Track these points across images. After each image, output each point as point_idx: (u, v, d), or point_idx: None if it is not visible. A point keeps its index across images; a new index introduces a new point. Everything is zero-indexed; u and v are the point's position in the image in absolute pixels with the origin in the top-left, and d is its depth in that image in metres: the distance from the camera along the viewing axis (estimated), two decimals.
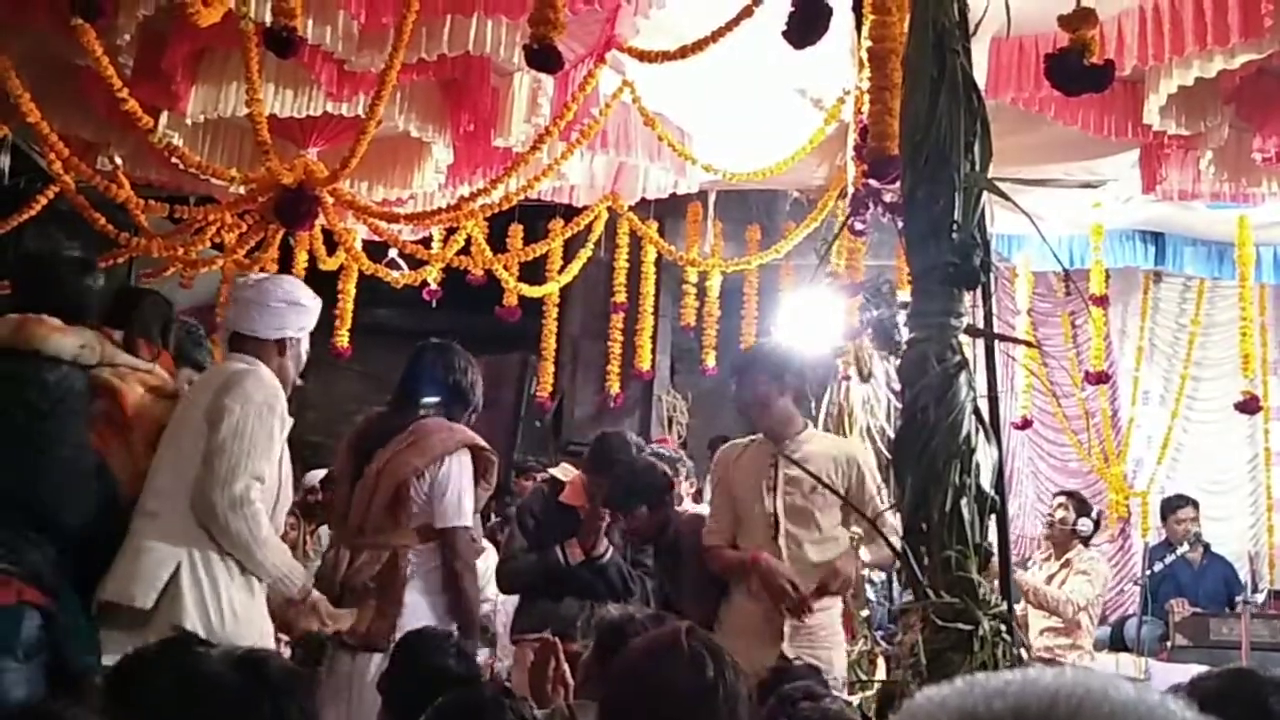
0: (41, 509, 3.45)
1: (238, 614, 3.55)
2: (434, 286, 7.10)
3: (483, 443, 4.31)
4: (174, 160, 5.14)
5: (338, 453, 4.40)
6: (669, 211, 7.68)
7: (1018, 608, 6.37)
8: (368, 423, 4.46)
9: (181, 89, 5.00)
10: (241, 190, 5.32)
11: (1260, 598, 7.49)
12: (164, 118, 5.18)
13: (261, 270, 6.39)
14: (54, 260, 4.02)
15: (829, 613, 4.34)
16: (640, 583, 4.93)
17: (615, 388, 7.88)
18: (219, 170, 5.24)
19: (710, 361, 7.71)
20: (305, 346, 3.99)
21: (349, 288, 7.08)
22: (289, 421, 3.76)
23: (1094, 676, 0.82)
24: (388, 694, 3.19)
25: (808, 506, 4.29)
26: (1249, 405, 7.15)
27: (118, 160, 5.75)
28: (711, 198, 7.48)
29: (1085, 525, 6.87)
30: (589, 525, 4.85)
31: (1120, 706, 0.80)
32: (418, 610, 4.11)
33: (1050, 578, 6.76)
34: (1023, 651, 2.15)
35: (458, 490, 4.17)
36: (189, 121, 5.21)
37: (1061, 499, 7.03)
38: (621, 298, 7.64)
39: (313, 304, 3.96)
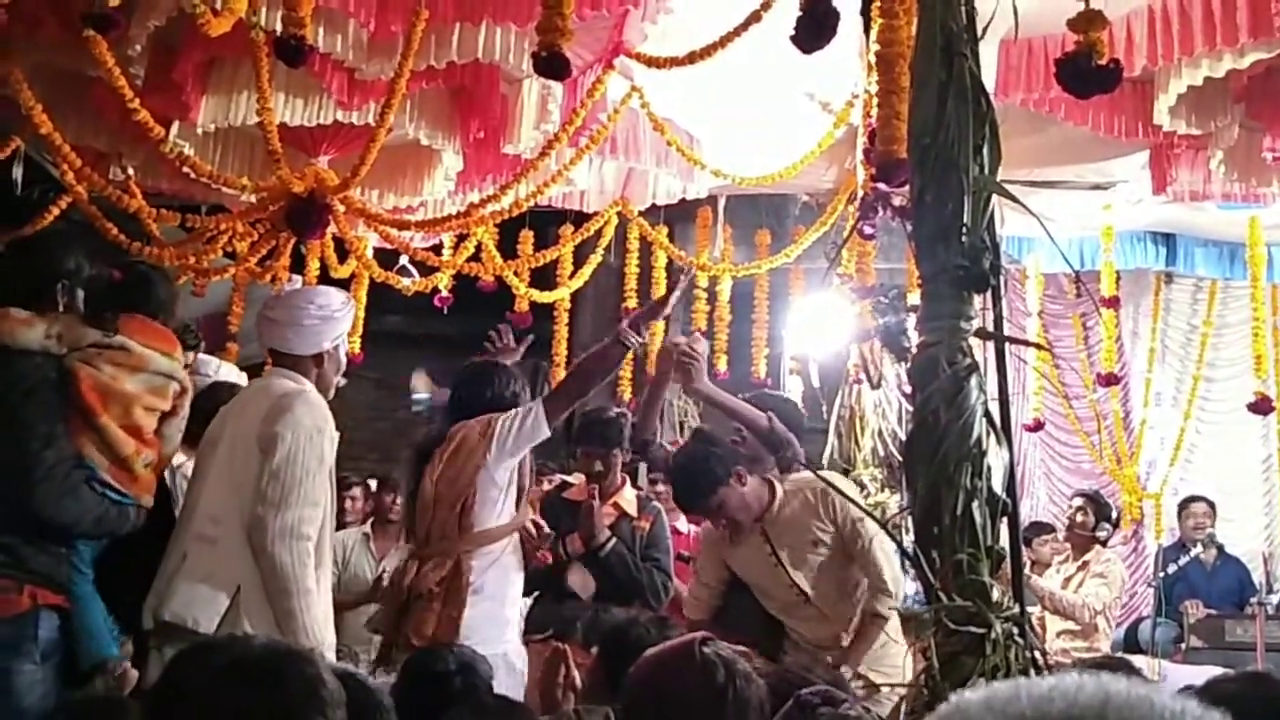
0: (25, 508, 3.43)
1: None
2: (445, 293, 7.12)
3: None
4: (185, 170, 5.16)
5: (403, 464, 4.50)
6: (679, 216, 7.68)
7: (1034, 611, 6.38)
8: (423, 436, 4.52)
9: (192, 99, 5.02)
10: (253, 199, 5.34)
11: (1275, 599, 7.46)
12: (175, 127, 5.20)
13: (274, 279, 6.41)
14: (23, 247, 3.98)
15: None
16: (649, 574, 4.89)
17: (627, 393, 7.88)
18: (230, 179, 5.26)
19: (721, 366, 7.71)
20: (344, 350, 4.02)
21: (360, 295, 7.10)
22: (336, 438, 3.78)
23: (1137, 684, 0.82)
24: (398, 706, 3.19)
25: (818, 558, 4.31)
26: (1261, 406, 7.13)
27: (129, 170, 5.77)
28: (721, 202, 7.48)
29: (1105, 529, 6.85)
30: (585, 514, 4.84)
31: (1167, 716, 0.80)
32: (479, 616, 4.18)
33: (1067, 580, 6.74)
34: (1037, 655, 2.15)
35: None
36: (200, 131, 5.23)
37: (1080, 501, 7.00)
38: (632, 303, 7.64)
39: (345, 311, 3.97)
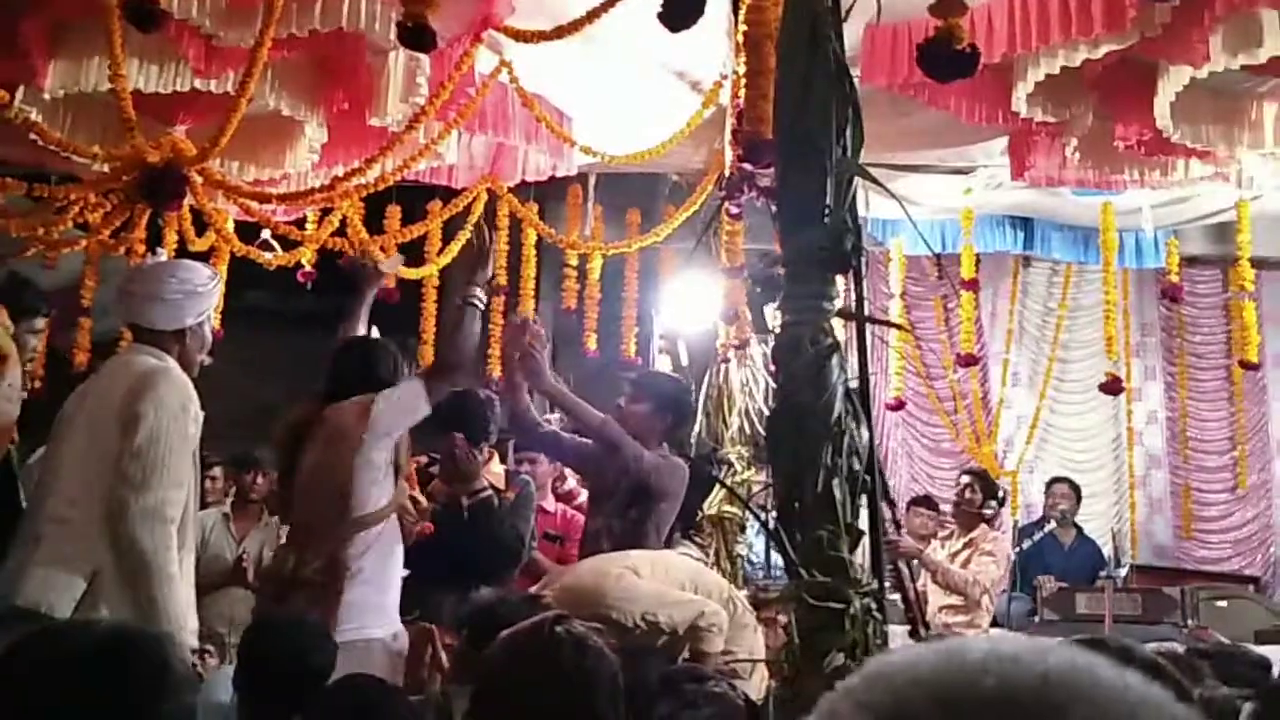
0: None
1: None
2: (308, 268, 6.97)
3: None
4: (32, 137, 4.95)
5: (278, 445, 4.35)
6: (549, 194, 7.63)
7: (918, 583, 6.50)
8: (296, 417, 4.35)
9: (40, 62, 4.81)
10: (105, 168, 5.14)
11: (1122, 572, 7.77)
12: (21, 92, 4.97)
13: (129, 252, 6.20)
14: None
15: None
16: (506, 533, 4.86)
17: (496, 371, 7.82)
18: (80, 147, 5.05)
19: (592, 344, 7.70)
20: (209, 327, 3.90)
21: (220, 270, 6.90)
22: (201, 417, 3.66)
23: (1077, 654, 0.78)
24: (244, 689, 3.06)
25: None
26: (1112, 386, 7.40)
27: None
28: (591, 180, 7.46)
29: (991, 507, 7.00)
30: (455, 451, 4.80)
31: (1111, 693, 0.75)
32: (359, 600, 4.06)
33: (953, 556, 6.86)
34: (889, 629, 2.19)
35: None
36: (48, 96, 5.01)
37: (968, 479, 7.12)
38: (502, 280, 7.58)
39: (211, 286, 3.85)
